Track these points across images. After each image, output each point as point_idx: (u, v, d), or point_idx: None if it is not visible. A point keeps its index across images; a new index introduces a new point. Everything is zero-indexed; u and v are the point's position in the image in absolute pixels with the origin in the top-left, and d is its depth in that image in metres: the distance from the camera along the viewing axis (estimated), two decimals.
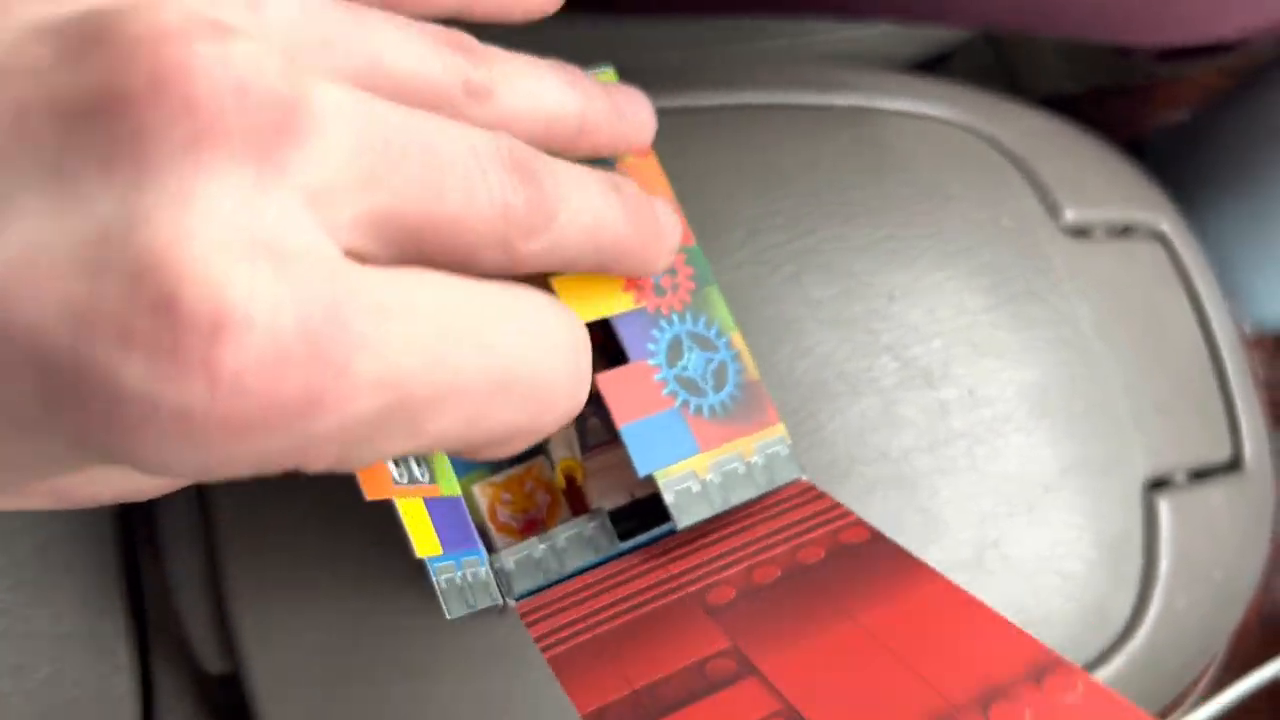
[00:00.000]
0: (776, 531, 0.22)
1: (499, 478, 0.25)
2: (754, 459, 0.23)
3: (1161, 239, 0.41)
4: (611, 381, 0.22)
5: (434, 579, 0.20)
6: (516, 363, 0.15)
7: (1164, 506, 0.35)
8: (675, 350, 0.24)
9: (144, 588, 0.28)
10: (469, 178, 0.15)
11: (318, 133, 0.13)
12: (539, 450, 0.25)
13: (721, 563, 0.21)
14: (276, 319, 0.12)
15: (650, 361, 0.23)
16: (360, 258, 0.14)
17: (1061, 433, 0.34)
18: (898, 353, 0.33)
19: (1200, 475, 0.37)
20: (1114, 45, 0.55)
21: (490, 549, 0.24)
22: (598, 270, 0.20)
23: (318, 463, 0.14)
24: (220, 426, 0.12)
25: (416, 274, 0.15)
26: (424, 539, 0.20)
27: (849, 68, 0.37)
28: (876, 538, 0.20)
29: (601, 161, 0.23)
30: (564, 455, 0.24)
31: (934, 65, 0.66)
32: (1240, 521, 0.38)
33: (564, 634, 0.20)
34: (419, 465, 0.22)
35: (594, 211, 0.17)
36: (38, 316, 0.12)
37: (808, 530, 0.21)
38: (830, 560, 0.20)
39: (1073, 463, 0.34)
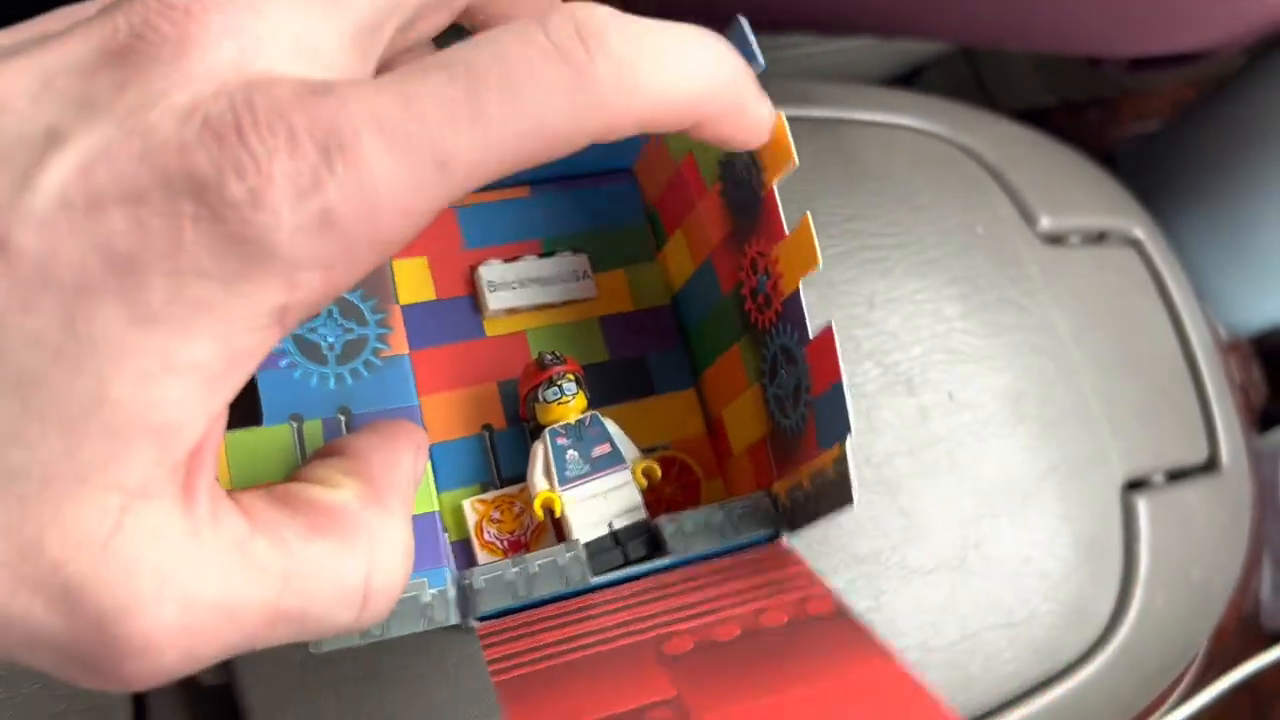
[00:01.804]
0: (746, 590, 0.21)
1: (490, 496, 0.25)
2: (830, 471, 0.21)
3: (1136, 245, 0.42)
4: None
5: None
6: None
7: (1142, 507, 0.36)
8: (774, 368, 0.24)
9: None
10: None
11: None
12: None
13: (685, 613, 0.21)
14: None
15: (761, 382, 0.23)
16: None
17: (1039, 436, 0.35)
18: (879, 359, 0.33)
19: (1177, 476, 0.38)
20: (1085, 57, 0.56)
21: (472, 564, 0.24)
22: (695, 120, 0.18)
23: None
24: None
25: None
26: None
27: (822, 80, 0.38)
28: (841, 612, 0.20)
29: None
30: (543, 488, 0.24)
31: (910, 79, 0.67)
32: (1217, 521, 0.38)
33: (518, 660, 0.20)
34: None
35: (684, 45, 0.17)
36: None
37: (777, 593, 0.21)
38: (791, 627, 0.20)
39: (1051, 465, 0.34)
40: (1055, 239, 0.39)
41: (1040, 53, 0.61)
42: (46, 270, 0.14)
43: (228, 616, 0.15)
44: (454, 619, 0.22)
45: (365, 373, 0.23)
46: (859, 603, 0.31)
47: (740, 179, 0.24)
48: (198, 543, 0.15)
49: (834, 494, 0.21)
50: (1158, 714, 0.39)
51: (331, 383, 0.23)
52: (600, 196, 0.29)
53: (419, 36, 0.19)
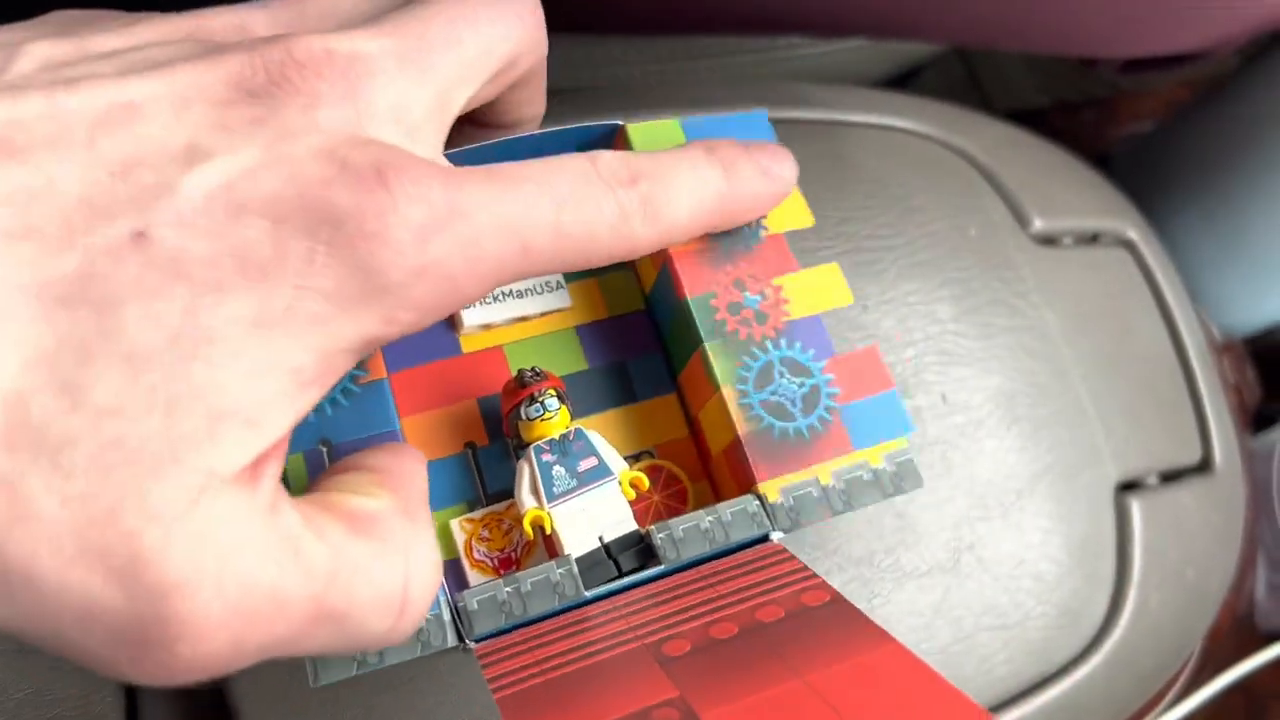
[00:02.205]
0: (740, 590, 0.22)
1: (478, 514, 0.25)
2: (882, 466, 0.24)
3: (1129, 246, 0.42)
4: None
5: None
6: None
7: (1135, 508, 0.36)
8: (765, 376, 0.25)
9: None
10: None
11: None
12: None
13: (681, 617, 0.21)
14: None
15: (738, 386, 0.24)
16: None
17: (1032, 437, 0.35)
18: None
19: (1171, 477, 0.38)
20: (1080, 58, 0.56)
21: (464, 585, 0.24)
22: (715, 227, 0.23)
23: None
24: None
25: None
26: None
27: (815, 83, 0.38)
28: (837, 600, 0.20)
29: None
30: (531, 506, 0.24)
31: (905, 81, 0.67)
32: (1211, 522, 0.38)
33: (518, 676, 0.20)
34: None
35: (695, 183, 0.22)
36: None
37: (772, 590, 0.21)
38: (789, 620, 0.20)
39: (1044, 466, 0.34)
40: (1048, 240, 0.39)
41: (1035, 53, 0.61)
42: (179, 263, 0.15)
43: (279, 606, 0.16)
44: (451, 641, 0.21)
45: (344, 401, 0.23)
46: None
47: None
48: (259, 530, 0.16)
49: (888, 486, 0.24)
50: (1152, 715, 0.39)
51: (311, 414, 0.23)
52: None
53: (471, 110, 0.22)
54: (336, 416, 0.23)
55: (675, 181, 0.21)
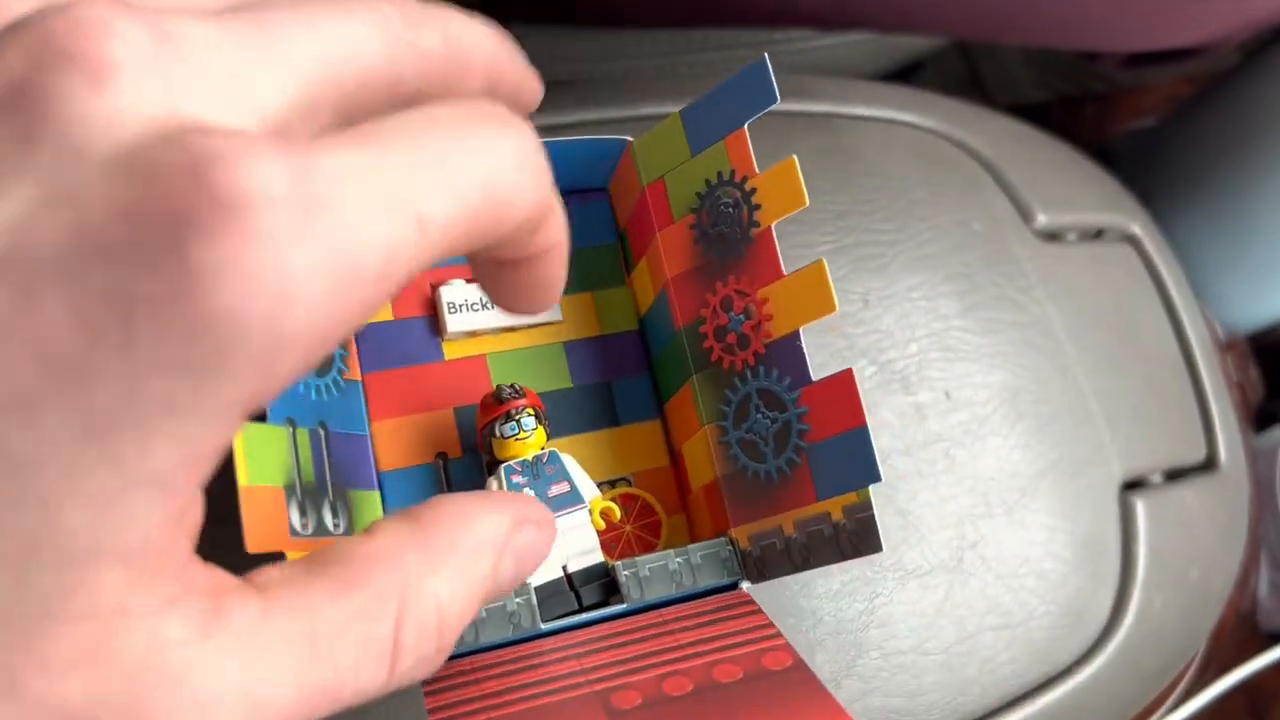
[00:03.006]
0: (700, 642, 0.21)
1: None
2: (842, 521, 0.22)
3: (1133, 241, 0.41)
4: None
5: None
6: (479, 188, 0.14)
7: (1140, 507, 0.35)
8: (743, 410, 0.23)
9: None
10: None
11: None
12: None
13: (636, 664, 0.20)
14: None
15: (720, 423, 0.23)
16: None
17: (1036, 434, 0.34)
18: (874, 357, 0.33)
19: (1175, 476, 0.37)
20: (1082, 52, 0.55)
21: None
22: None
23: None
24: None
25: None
26: None
27: (818, 75, 0.38)
28: (798, 666, 0.20)
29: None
30: None
31: (906, 76, 0.66)
32: (1216, 521, 0.38)
33: (460, 710, 0.19)
34: (334, 514, 0.21)
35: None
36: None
37: (733, 647, 0.20)
38: (746, 682, 0.19)
39: (1048, 464, 0.34)
40: (1052, 235, 0.39)
41: (1036, 48, 0.60)
42: None
43: (256, 705, 0.14)
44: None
45: (334, 390, 0.23)
46: (853, 605, 0.30)
47: (723, 212, 0.24)
48: (204, 639, 0.13)
49: (845, 546, 0.21)
50: (1156, 715, 0.38)
51: (314, 393, 0.23)
52: (570, 215, 0.28)
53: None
54: (330, 403, 0.23)
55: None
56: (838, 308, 0.21)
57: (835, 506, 0.22)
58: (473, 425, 0.25)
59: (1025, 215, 0.38)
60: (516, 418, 0.23)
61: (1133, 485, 0.36)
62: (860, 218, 0.34)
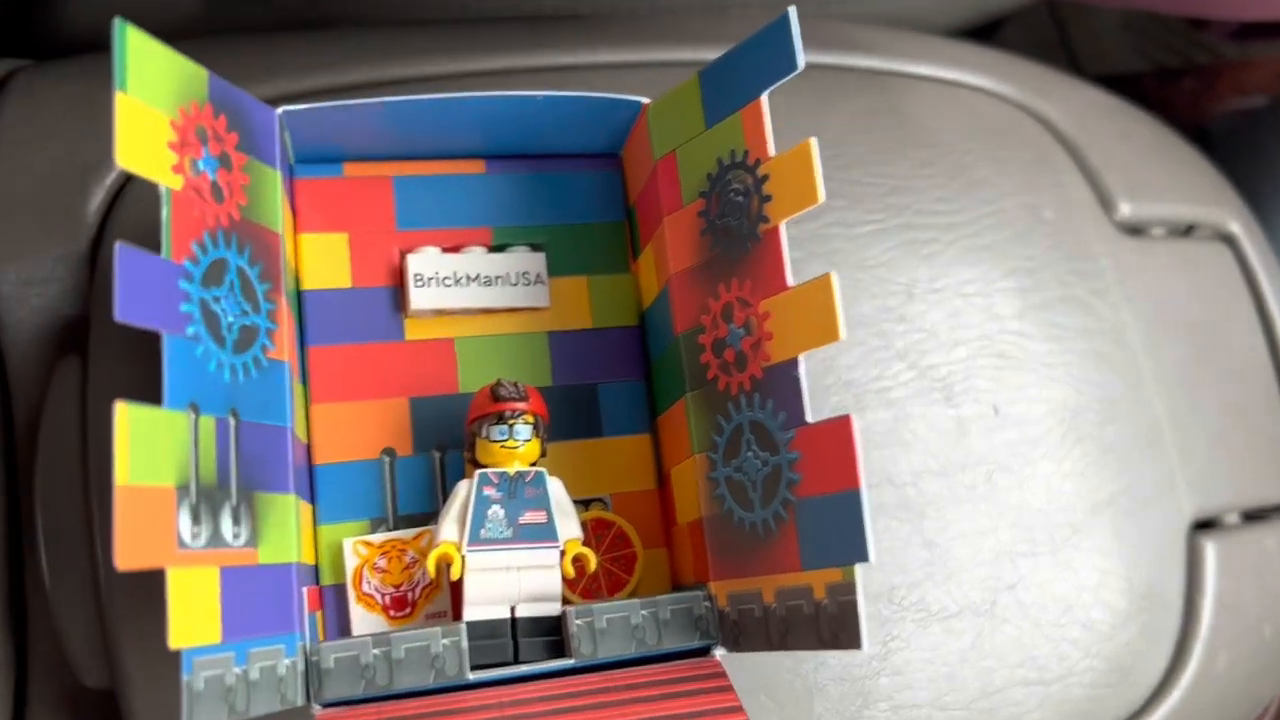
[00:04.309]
0: (649, 718, 0.18)
1: (378, 538, 0.21)
2: (824, 601, 0.19)
3: (1229, 241, 0.38)
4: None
5: (183, 677, 0.16)
6: None
7: (1210, 551, 0.32)
8: (735, 444, 0.21)
9: (26, 599, 0.25)
10: None
11: None
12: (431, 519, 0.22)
13: None
14: None
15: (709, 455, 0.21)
16: None
17: (1096, 462, 0.31)
18: (913, 360, 0.29)
19: (1255, 517, 0.34)
20: (1187, 18, 0.51)
21: (344, 619, 0.21)
22: None
23: None
24: None
25: None
26: (192, 623, 0.16)
27: (871, 26, 0.34)
28: None
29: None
30: (448, 537, 0.20)
31: (983, 35, 0.62)
32: None
33: None
34: (235, 522, 0.18)
35: None
36: None
37: None
38: None
39: (1107, 497, 0.31)
40: (1135, 229, 0.36)
41: (1137, 9, 0.56)
42: None
43: None
44: (300, 699, 0.18)
45: (254, 371, 0.20)
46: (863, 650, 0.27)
47: (732, 201, 0.21)
48: None
49: (824, 630, 0.18)
50: None
51: (226, 374, 0.19)
52: (572, 183, 0.25)
53: None
54: (246, 385, 0.20)
55: None
56: (843, 336, 0.18)
57: (819, 581, 0.19)
58: (430, 419, 0.23)
59: (1106, 204, 0.35)
60: (510, 422, 0.21)
61: (1204, 525, 0.33)
62: (911, 195, 0.31)
